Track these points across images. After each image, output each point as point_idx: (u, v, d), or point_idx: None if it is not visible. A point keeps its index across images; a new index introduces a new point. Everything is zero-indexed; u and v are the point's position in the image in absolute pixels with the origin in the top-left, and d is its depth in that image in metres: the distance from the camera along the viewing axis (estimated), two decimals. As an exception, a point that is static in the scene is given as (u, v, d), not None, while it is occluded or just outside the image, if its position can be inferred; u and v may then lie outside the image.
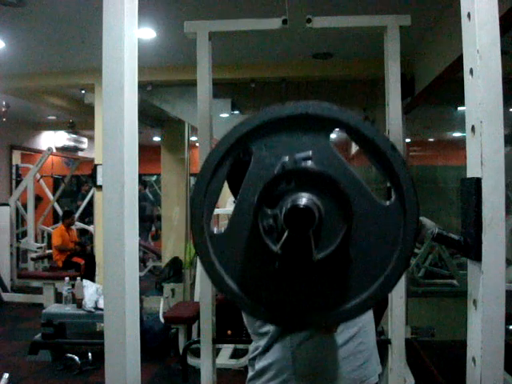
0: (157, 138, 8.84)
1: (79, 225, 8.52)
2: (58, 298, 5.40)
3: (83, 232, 8.76)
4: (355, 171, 0.74)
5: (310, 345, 1.32)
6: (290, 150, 0.73)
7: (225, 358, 4.20)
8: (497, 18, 0.83)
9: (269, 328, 1.37)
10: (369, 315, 1.42)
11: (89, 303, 4.27)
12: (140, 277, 1.06)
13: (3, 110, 6.44)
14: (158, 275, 6.05)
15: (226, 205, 4.32)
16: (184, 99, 5.07)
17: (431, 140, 6.16)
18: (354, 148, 8.74)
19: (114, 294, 0.94)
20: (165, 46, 4.25)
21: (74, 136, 9.52)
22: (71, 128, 8.32)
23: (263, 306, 0.76)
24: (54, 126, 8.86)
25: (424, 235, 1.30)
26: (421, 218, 1.33)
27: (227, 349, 4.33)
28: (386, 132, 2.15)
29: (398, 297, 2.11)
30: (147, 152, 7.20)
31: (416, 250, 4.66)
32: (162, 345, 4.47)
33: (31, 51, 4.51)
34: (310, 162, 0.72)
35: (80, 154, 9.99)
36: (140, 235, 1.06)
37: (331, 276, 0.75)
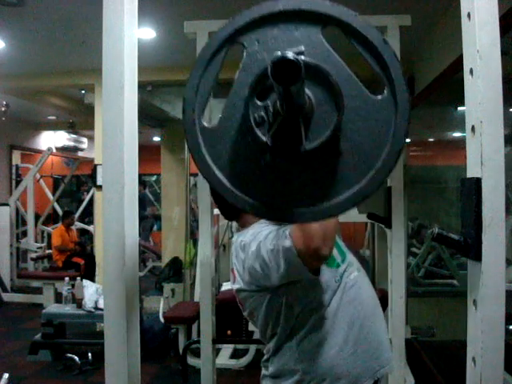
0: (157, 138, 8.84)
1: (79, 225, 8.52)
2: (58, 297, 5.40)
3: (83, 232, 8.76)
4: (348, 67, 0.74)
5: (313, 339, 1.32)
6: (283, 45, 0.74)
7: (225, 358, 4.20)
8: (497, 18, 0.83)
9: (276, 330, 1.37)
10: (372, 303, 1.42)
11: (89, 303, 4.27)
12: (140, 277, 1.06)
13: (3, 109, 6.43)
14: (158, 275, 6.05)
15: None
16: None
17: (431, 140, 6.16)
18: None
19: (113, 294, 0.94)
20: (165, 46, 4.24)
21: (74, 136, 9.52)
22: (71, 128, 8.32)
23: (252, 198, 0.77)
24: (54, 126, 8.86)
25: (424, 235, 1.31)
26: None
27: (227, 349, 4.33)
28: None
29: (398, 297, 2.11)
30: (147, 152, 7.20)
31: (416, 250, 4.67)
32: (161, 345, 4.47)
33: (31, 51, 4.51)
34: (302, 57, 0.71)
35: (80, 153, 9.99)
36: (140, 235, 1.07)
37: (321, 169, 0.75)
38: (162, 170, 7.04)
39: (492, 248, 0.81)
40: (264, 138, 0.72)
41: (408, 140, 4.45)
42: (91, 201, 8.18)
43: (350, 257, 1.46)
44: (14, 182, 8.43)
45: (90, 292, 4.34)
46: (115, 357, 0.94)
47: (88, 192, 9.19)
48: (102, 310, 4.09)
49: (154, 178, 11.30)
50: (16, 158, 8.85)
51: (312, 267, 1.22)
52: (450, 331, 3.94)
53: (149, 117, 6.53)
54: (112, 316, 0.95)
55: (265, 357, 1.45)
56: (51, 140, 9.20)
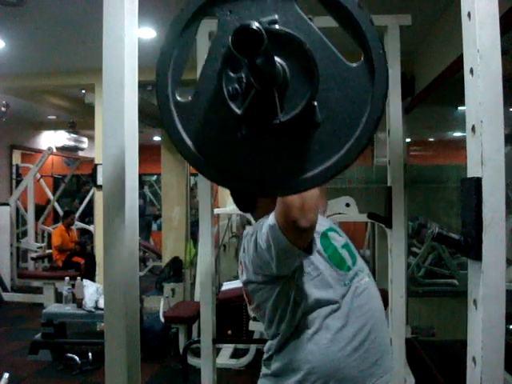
0: (157, 138, 8.84)
1: (79, 225, 8.52)
2: (58, 297, 5.40)
3: (83, 232, 8.76)
4: (323, 35, 0.73)
5: (321, 340, 1.32)
6: (256, 14, 0.73)
7: (225, 358, 4.20)
8: (497, 18, 0.83)
9: (281, 326, 1.36)
10: (379, 311, 1.42)
11: (89, 303, 4.27)
12: (140, 277, 1.06)
13: (3, 109, 6.43)
14: (158, 275, 6.04)
15: (226, 205, 4.32)
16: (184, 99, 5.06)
17: (431, 140, 6.16)
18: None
19: (113, 294, 0.94)
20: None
21: (74, 136, 9.52)
22: (71, 128, 8.31)
23: (229, 172, 0.76)
24: (54, 126, 8.86)
25: (424, 235, 1.31)
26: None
27: (227, 349, 4.33)
28: (386, 132, 2.15)
29: (398, 296, 2.11)
30: (147, 152, 7.20)
31: (416, 250, 4.67)
32: (161, 345, 4.47)
33: (31, 51, 4.51)
34: (276, 26, 0.71)
35: (80, 153, 9.99)
36: (140, 235, 1.06)
37: (298, 141, 0.74)
38: (162, 170, 7.04)
39: (492, 248, 0.81)
40: (238, 111, 0.71)
41: (408, 140, 4.45)
42: (91, 201, 8.19)
43: (361, 262, 1.45)
44: (14, 182, 8.43)
45: (91, 292, 4.34)
46: (115, 357, 0.94)
47: (86, 195, 9.18)
48: (102, 309, 4.09)
49: (154, 177, 11.30)
50: (16, 157, 8.85)
51: (297, 243, 1.19)
52: (450, 331, 3.95)
53: (149, 117, 6.51)
54: (112, 316, 0.95)
55: (266, 355, 1.44)
56: (51, 140, 9.20)
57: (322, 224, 1.43)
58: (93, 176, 5.31)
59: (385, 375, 1.37)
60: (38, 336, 4.37)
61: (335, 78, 0.73)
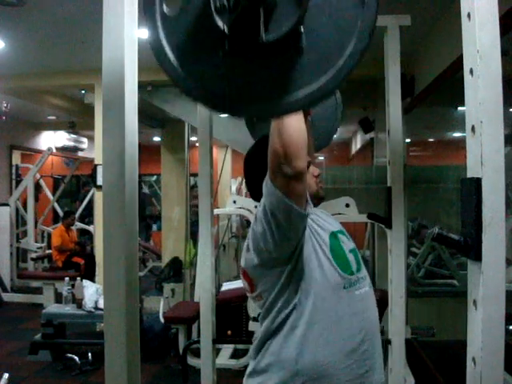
0: (157, 138, 8.84)
1: (79, 225, 8.51)
2: (58, 298, 5.40)
3: (83, 232, 8.76)
4: None
5: (314, 344, 1.31)
6: None
7: (225, 358, 4.20)
8: (497, 18, 0.83)
9: (277, 322, 1.35)
10: (374, 323, 1.41)
11: (89, 303, 4.27)
12: (140, 277, 1.06)
13: (3, 109, 6.43)
14: (158, 275, 6.05)
15: (226, 205, 4.32)
16: (184, 99, 5.05)
17: (431, 140, 6.16)
18: (354, 148, 8.74)
19: (113, 294, 0.94)
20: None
21: (74, 136, 9.52)
22: (71, 128, 8.31)
23: (209, 90, 0.75)
24: (54, 126, 8.86)
25: (424, 235, 1.31)
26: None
27: (227, 349, 4.32)
28: (386, 132, 2.15)
29: (398, 297, 2.11)
30: (147, 152, 7.21)
31: (416, 250, 4.67)
32: (161, 345, 4.47)
33: (31, 51, 4.51)
34: None
35: (80, 154, 9.99)
36: (140, 235, 1.06)
37: (281, 64, 0.74)
38: (162, 170, 7.04)
39: (492, 248, 0.81)
40: (223, 27, 0.71)
41: (408, 140, 4.45)
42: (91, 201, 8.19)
43: (365, 271, 1.44)
44: (14, 182, 8.43)
45: (90, 292, 4.34)
46: (115, 357, 0.94)
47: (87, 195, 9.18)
48: (102, 310, 4.09)
49: (154, 178, 11.30)
50: (16, 158, 8.85)
51: (288, 193, 1.20)
52: (450, 331, 3.94)
53: (149, 117, 6.53)
54: (112, 316, 0.95)
55: (255, 344, 1.41)
56: (51, 140, 9.20)
57: (333, 225, 1.44)
58: (93, 176, 5.31)
59: None
60: (38, 336, 4.37)
61: (324, 4, 0.73)
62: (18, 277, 7.09)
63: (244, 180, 1.61)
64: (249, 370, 1.42)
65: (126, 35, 0.94)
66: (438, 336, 3.62)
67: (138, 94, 1.00)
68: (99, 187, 5.08)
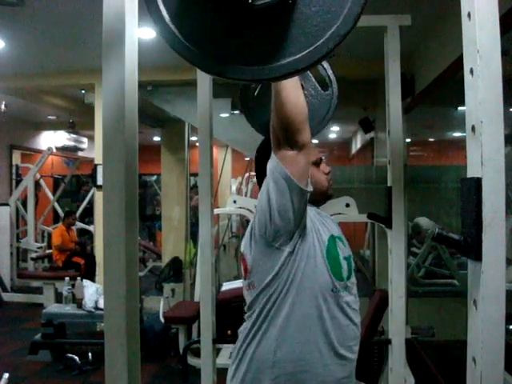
0: (157, 138, 8.84)
1: (79, 225, 8.51)
2: (58, 298, 5.40)
3: (83, 232, 8.76)
4: None
5: (292, 338, 1.31)
6: None
7: (225, 358, 4.19)
8: (497, 18, 0.83)
9: (267, 317, 1.35)
10: (355, 332, 1.41)
11: (89, 303, 4.27)
12: (140, 277, 1.07)
13: (3, 109, 6.43)
14: (158, 275, 6.05)
15: (226, 204, 4.32)
16: (184, 99, 5.06)
17: (431, 140, 6.15)
18: (354, 148, 8.74)
19: (113, 294, 0.94)
20: (165, 46, 4.23)
21: (74, 136, 9.52)
22: (71, 128, 8.31)
23: (204, 52, 0.77)
24: (54, 126, 8.86)
25: (424, 235, 1.31)
26: (418, 219, 1.32)
27: (227, 349, 4.32)
28: (386, 132, 2.15)
29: (398, 297, 2.11)
30: (147, 152, 7.21)
31: (416, 250, 4.67)
32: (161, 345, 4.47)
33: (31, 51, 4.51)
34: None
35: (80, 153, 9.99)
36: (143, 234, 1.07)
37: (276, 27, 0.76)
38: (162, 170, 7.04)
39: (492, 248, 0.81)
40: None
41: (408, 140, 4.45)
42: (91, 201, 8.19)
43: (354, 280, 1.46)
44: (14, 182, 8.43)
45: (90, 292, 4.34)
46: (115, 357, 0.94)
47: (87, 194, 9.17)
48: (102, 309, 4.08)
49: (154, 178, 11.30)
50: (16, 157, 8.85)
51: (292, 170, 1.23)
52: (450, 331, 3.94)
53: (149, 117, 6.53)
54: (112, 316, 0.95)
55: (240, 335, 1.43)
56: (51, 140, 9.20)
57: (335, 230, 1.47)
58: (93, 176, 5.31)
59: None
60: (38, 336, 4.37)
61: None
62: (18, 276, 7.09)
63: (255, 174, 1.63)
64: (232, 357, 1.44)
65: (126, 35, 0.94)
66: (437, 336, 3.62)
67: (138, 93, 1.00)
68: (99, 187, 5.09)
